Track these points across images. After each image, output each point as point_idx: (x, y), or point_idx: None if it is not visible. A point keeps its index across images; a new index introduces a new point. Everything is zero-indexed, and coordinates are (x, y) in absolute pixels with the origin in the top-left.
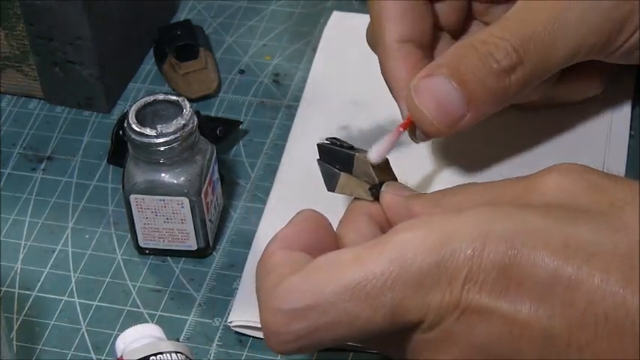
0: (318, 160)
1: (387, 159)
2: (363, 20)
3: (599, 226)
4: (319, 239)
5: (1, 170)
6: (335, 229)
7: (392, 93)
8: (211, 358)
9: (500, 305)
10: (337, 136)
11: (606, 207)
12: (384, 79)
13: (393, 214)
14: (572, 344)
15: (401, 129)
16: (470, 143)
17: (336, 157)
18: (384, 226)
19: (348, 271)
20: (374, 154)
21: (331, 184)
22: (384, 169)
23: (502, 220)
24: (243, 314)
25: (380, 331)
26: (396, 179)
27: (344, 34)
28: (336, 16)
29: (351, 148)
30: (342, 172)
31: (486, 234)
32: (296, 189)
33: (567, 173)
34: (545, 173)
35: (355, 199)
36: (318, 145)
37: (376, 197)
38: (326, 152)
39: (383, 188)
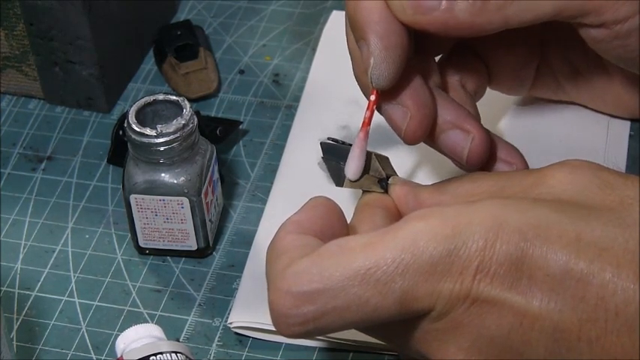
0: (322, 157)
1: (388, 157)
2: None
3: (610, 222)
4: (331, 225)
5: (1, 170)
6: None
7: (360, 30)
8: (211, 358)
9: (512, 297)
10: (337, 136)
11: (616, 204)
12: (351, 21)
13: (402, 204)
14: (582, 338)
15: (361, 135)
16: None
17: (341, 154)
18: (398, 220)
19: (358, 257)
20: (350, 172)
21: (339, 180)
22: (387, 166)
23: (515, 212)
24: (243, 315)
25: (388, 317)
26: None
27: (344, 34)
28: (336, 16)
29: (350, 146)
30: None
31: (499, 226)
32: (296, 189)
33: (578, 169)
34: (556, 167)
35: (364, 193)
36: (321, 143)
37: (385, 190)
38: (329, 150)
39: (390, 180)
